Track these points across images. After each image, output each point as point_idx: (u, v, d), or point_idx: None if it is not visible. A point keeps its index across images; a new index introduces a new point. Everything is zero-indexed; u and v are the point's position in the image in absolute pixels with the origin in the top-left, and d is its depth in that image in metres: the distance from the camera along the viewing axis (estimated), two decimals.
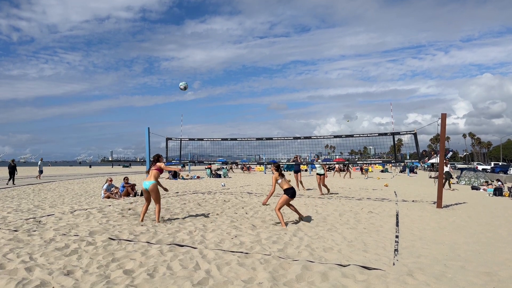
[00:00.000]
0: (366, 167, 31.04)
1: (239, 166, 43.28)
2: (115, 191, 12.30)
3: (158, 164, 7.61)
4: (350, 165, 29.66)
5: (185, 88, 12.49)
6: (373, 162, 33.31)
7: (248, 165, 43.44)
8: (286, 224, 7.21)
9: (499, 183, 16.32)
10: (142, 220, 7.53)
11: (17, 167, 20.65)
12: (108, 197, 11.94)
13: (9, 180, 19.54)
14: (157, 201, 7.44)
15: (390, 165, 46.97)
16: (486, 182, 17.52)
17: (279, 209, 7.21)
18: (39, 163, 25.48)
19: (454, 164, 64.97)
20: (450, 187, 17.26)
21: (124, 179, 13.40)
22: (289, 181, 7.47)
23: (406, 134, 12.01)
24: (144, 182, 7.49)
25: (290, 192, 7.15)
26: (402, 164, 41.39)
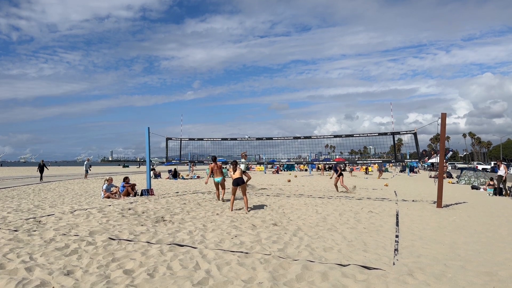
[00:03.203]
0: (383, 167, 31.24)
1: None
2: (115, 191, 12.29)
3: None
4: (382, 166, 29.94)
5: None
6: (373, 162, 33.31)
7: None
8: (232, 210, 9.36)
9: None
10: (222, 200, 11.36)
11: (17, 167, 21.44)
12: (108, 197, 11.94)
13: (40, 178, 22.60)
14: (224, 188, 11.54)
15: (391, 164, 47.05)
16: (491, 179, 17.45)
17: (232, 194, 9.55)
18: (85, 163, 26.04)
19: (454, 163, 64.96)
20: (508, 192, 14.42)
21: (124, 179, 13.40)
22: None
23: (406, 133, 12.00)
24: (216, 178, 11.29)
25: (233, 182, 9.43)
26: (402, 163, 41.43)
